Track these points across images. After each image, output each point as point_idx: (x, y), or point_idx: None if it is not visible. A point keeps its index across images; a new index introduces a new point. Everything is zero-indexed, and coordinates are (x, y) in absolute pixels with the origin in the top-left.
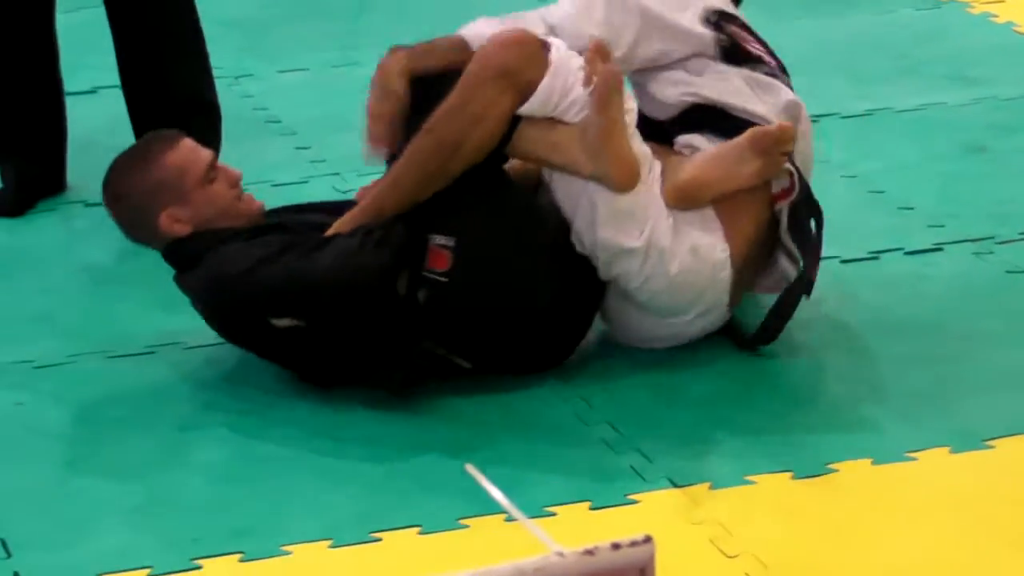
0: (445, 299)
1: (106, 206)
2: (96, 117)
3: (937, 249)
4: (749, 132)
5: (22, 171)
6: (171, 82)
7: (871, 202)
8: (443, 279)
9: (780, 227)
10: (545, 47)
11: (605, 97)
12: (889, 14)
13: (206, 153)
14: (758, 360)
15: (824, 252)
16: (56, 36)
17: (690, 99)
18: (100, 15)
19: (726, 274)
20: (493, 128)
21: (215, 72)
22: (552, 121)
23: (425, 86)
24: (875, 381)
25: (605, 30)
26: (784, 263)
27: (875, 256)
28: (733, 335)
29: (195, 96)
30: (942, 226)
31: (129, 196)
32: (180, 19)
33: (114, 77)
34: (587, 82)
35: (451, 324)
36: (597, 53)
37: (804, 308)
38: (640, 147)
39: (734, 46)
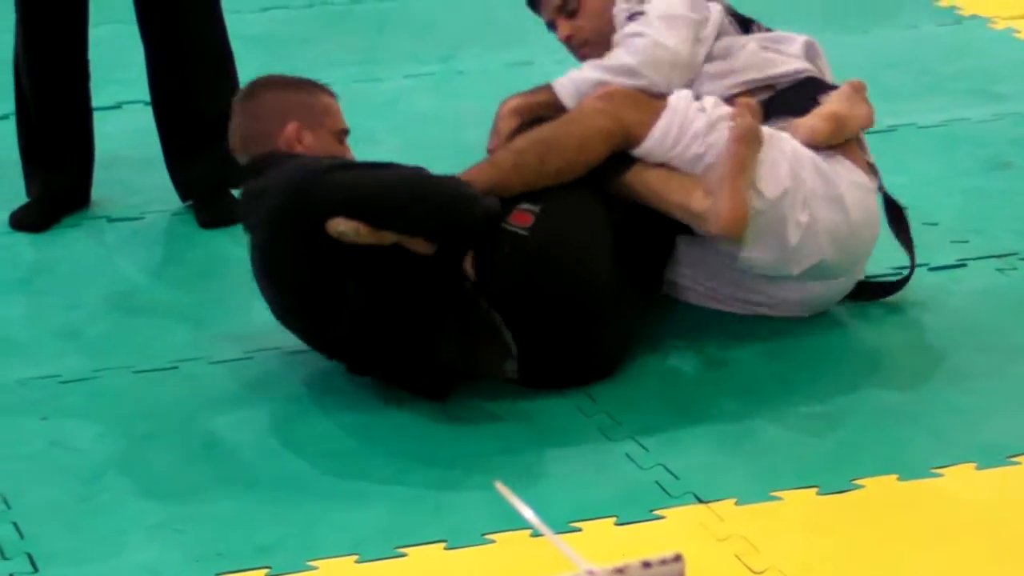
0: (523, 252)
1: (237, 99)
2: (120, 133)
3: (961, 265)
4: (846, 83)
5: (48, 186)
6: (201, 100)
7: None
8: (524, 232)
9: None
10: (660, 96)
11: (743, 133)
12: (912, 30)
13: (346, 124)
14: (783, 375)
15: None
16: (88, 52)
17: (736, 89)
18: (123, 30)
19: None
20: (588, 144)
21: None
22: (665, 166)
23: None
24: (900, 396)
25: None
26: None
27: (898, 272)
28: (864, 290)
29: (224, 114)
30: (966, 242)
31: (270, 97)
32: (212, 39)
33: (138, 92)
34: (732, 117)
35: (524, 280)
36: (747, 107)
37: (827, 325)
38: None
39: (732, 9)
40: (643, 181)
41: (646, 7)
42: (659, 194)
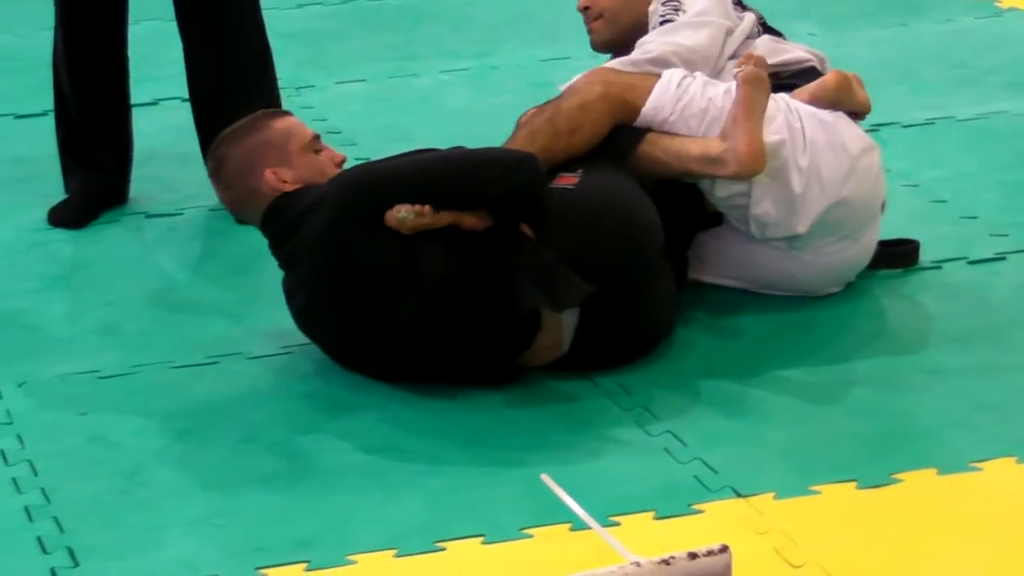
0: (573, 202)
1: (209, 175)
2: (158, 129)
3: (1000, 258)
4: (849, 73)
5: (87, 183)
6: (239, 97)
7: (933, 211)
8: (571, 188)
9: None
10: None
11: (749, 75)
12: (949, 23)
13: (311, 130)
14: (820, 369)
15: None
16: (127, 50)
17: None
18: (160, 28)
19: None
20: (588, 105)
21: None
22: (671, 134)
23: None
24: (939, 390)
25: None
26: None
27: (938, 265)
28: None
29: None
30: (1005, 235)
31: (233, 157)
32: (251, 35)
33: (175, 89)
34: (736, 65)
35: (580, 229)
36: (749, 56)
37: (864, 318)
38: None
39: (763, 20)
40: (660, 146)
41: (679, 15)
42: (677, 152)
